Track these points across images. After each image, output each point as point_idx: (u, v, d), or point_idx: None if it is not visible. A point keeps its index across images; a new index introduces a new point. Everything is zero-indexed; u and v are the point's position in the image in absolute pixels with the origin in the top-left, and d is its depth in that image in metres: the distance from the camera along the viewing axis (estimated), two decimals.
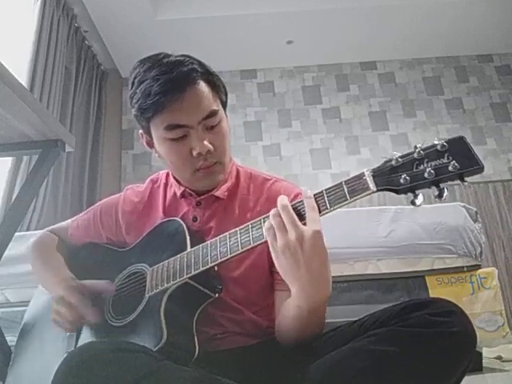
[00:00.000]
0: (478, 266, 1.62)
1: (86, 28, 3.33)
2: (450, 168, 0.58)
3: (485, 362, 1.62)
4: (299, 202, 0.70)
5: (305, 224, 0.67)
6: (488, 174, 3.63)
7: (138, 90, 0.83)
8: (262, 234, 0.70)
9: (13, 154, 1.53)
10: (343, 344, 0.69)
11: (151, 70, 0.82)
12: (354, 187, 0.64)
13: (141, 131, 0.92)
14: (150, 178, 1.05)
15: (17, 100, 0.86)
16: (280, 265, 0.68)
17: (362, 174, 0.65)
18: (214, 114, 0.84)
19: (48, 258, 1.01)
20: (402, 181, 0.61)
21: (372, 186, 0.63)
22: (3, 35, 2.49)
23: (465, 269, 1.60)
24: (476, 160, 0.58)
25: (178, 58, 0.84)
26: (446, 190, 0.59)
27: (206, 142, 0.82)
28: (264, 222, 0.71)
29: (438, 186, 0.60)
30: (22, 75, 2.43)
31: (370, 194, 0.63)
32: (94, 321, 0.83)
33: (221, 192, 0.92)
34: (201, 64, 0.86)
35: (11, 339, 1.06)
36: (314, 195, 0.69)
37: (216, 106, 0.85)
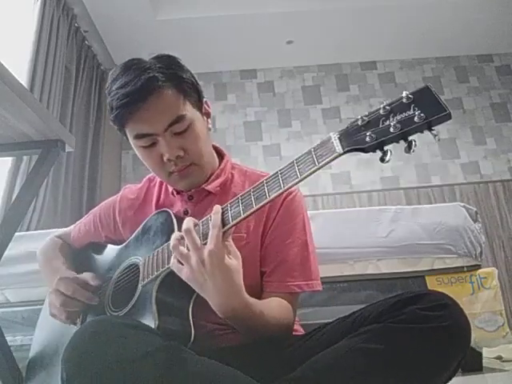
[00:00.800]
0: (478, 266, 1.62)
1: (86, 28, 3.33)
2: (416, 119, 0.56)
3: (485, 362, 1.62)
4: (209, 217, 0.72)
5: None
6: (488, 174, 3.63)
7: (108, 101, 0.86)
8: (240, 210, 0.70)
9: (13, 153, 1.53)
10: (336, 341, 0.69)
11: (116, 81, 0.84)
12: (321, 152, 0.64)
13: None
14: (147, 177, 1.07)
15: (17, 100, 0.86)
16: (193, 287, 0.71)
17: (329, 138, 0.64)
18: (180, 119, 0.84)
19: (50, 259, 1.06)
20: (367, 139, 0.59)
21: (339, 149, 0.61)
22: (3, 35, 2.49)
23: (465, 269, 1.60)
24: (442, 107, 0.56)
25: (141, 66, 0.83)
26: (414, 142, 0.58)
27: (174, 148, 0.84)
28: (242, 199, 0.71)
29: (406, 140, 0.58)
30: (22, 75, 2.43)
31: (337, 156, 0.62)
32: (90, 303, 0.87)
33: (212, 186, 0.94)
34: (166, 68, 0.85)
35: (11, 339, 1.06)
36: (285, 166, 0.69)
37: (183, 110, 0.84)
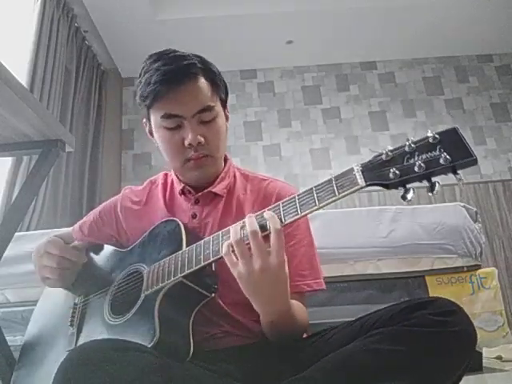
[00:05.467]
0: (478, 266, 1.62)
1: (86, 28, 3.33)
2: (442, 161, 0.56)
3: (485, 362, 1.62)
4: (261, 215, 0.70)
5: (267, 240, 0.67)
6: (488, 174, 3.63)
7: (142, 80, 0.88)
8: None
9: (13, 153, 1.53)
10: (345, 343, 0.69)
11: (156, 62, 0.87)
12: (342, 183, 0.63)
13: (144, 120, 0.97)
14: (149, 180, 1.07)
15: (17, 100, 0.86)
16: (243, 286, 0.70)
17: (351, 170, 0.63)
18: (209, 109, 0.87)
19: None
20: (391, 175, 0.59)
21: (361, 182, 0.61)
22: (3, 35, 2.49)
23: (465, 269, 1.60)
24: (469, 152, 0.55)
25: (181, 53, 0.89)
26: (437, 184, 0.57)
27: (197, 135, 0.86)
28: (256, 219, 0.71)
29: (429, 180, 0.58)
30: (21, 75, 2.43)
31: (358, 189, 0.61)
32: (80, 262, 0.92)
33: (219, 189, 0.94)
34: (203, 61, 0.90)
35: (11, 339, 1.06)
36: (304, 192, 0.68)
37: (212, 102, 0.89)
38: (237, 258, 0.68)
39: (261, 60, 3.92)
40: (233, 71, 3.99)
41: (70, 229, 1.11)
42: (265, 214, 0.69)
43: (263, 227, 0.68)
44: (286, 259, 0.69)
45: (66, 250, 0.91)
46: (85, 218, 1.09)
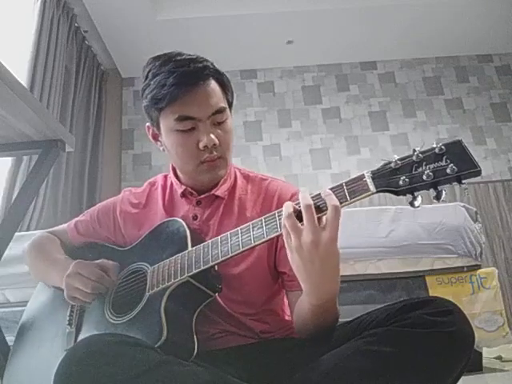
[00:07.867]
0: (478, 266, 1.62)
1: (86, 28, 3.33)
2: (448, 171, 0.60)
3: (485, 362, 1.62)
4: (318, 196, 0.69)
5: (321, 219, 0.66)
6: (488, 174, 3.63)
7: (151, 82, 0.86)
8: (263, 233, 0.70)
9: (13, 153, 1.53)
10: (340, 344, 0.69)
11: (166, 64, 0.86)
12: (354, 188, 0.65)
13: (148, 124, 0.95)
14: (147, 182, 1.06)
15: (17, 100, 0.86)
16: (293, 260, 0.67)
17: (362, 176, 0.66)
18: (222, 110, 0.87)
19: (49, 251, 1.01)
20: (401, 182, 0.62)
21: (372, 188, 0.64)
22: (3, 35, 2.49)
23: (465, 269, 1.60)
24: (473, 163, 0.59)
25: (191, 56, 0.88)
26: (444, 192, 0.61)
27: (212, 136, 0.85)
28: (265, 221, 0.71)
29: (436, 188, 0.61)
30: (22, 75, 2.43)
31: (369, 195, 0.64)
32: (110, 287, 0.86)
33: (221, 191, 0.94)
34: (212, 64, 0.91)
35: (11, 339, 1.05)
36: (313, 197, 0.68)
37: (224, 104, 0.89)
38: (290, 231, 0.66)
39: (261, 60, 3.92)
40: (233, 71, 3.98)
41: (64, 226, 1.09)
42: (322, 192, 0.67)
43: (318, 208, 0.67)
44: (338, 237, 0.66)
45: (103, 277, 0.86)
46: (81, 217, 1.07)
